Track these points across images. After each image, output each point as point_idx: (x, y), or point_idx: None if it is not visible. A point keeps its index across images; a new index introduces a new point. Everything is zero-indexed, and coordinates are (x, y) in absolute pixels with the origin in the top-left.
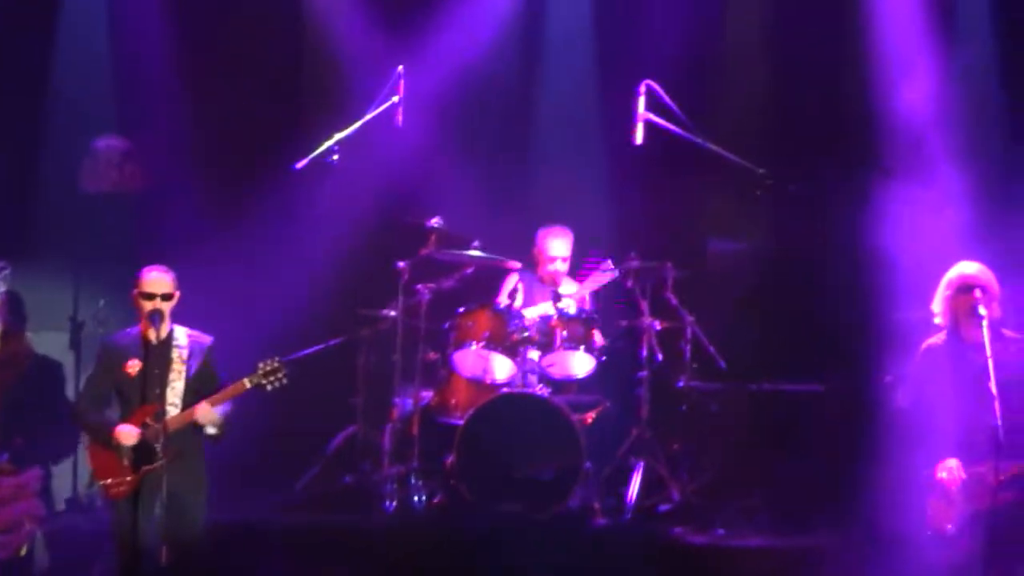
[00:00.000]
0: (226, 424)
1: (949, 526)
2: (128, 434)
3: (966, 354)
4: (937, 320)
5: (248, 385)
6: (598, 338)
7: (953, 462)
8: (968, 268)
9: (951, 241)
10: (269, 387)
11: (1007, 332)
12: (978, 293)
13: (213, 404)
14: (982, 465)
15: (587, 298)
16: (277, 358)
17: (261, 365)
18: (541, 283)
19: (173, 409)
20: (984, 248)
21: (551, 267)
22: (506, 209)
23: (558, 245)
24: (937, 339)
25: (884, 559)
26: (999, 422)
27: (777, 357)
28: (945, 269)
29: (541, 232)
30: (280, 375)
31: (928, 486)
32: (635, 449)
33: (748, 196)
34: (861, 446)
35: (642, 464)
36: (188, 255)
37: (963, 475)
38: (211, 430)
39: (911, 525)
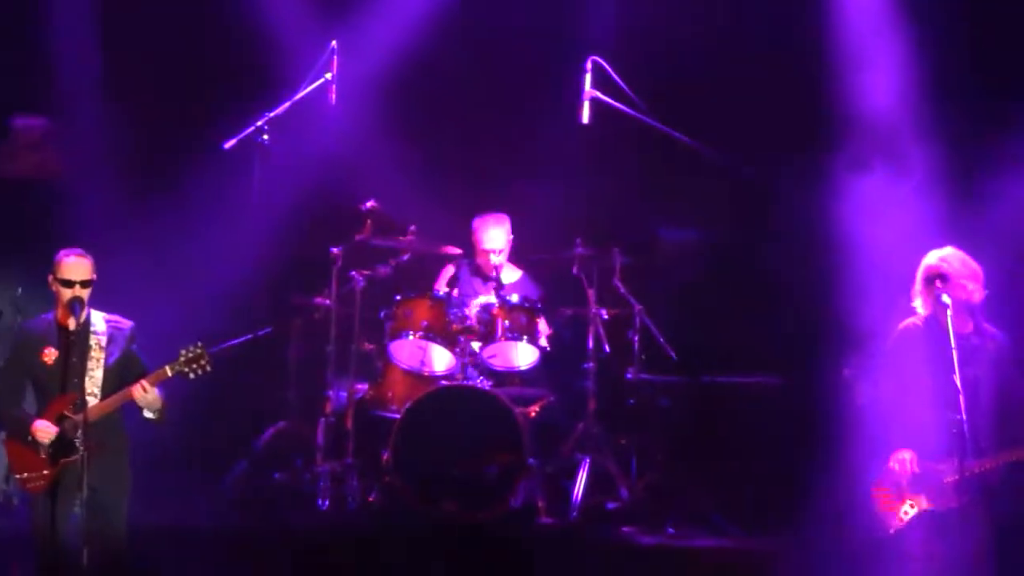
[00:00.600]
0: (165, 408)
1: (896, 522)
2: (45, 431)
3: (943, 344)
4: (919, 310)
5: (170, 373)
6: (542, 328)
7: (907, 454)
8: (932, 257)
9: (915, 229)
10: (192, 375)
11: (988, 327)
12: (939, 283)
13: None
14: (943, 463)
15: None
16: (200, 344)
17: (183, 352)
18: (481, 270)
19: (92, 399)
20: (951, 237)
21: (488, 260)
22: (445, 193)
23: (492, 237)
24: (915, 321)
25: (841, 561)
26: (964, 416)
27: (731, 348)
28: (909, 259)
29: (476, 221)
30: (203, 362)
31: (879, 477)
32: (581, 445)
33: (700, 180)
34: (819, 442)
35: (589, 460)
36: (110, 239)
37: (915, 468)
38: (148, 414)
39: (868, 525)
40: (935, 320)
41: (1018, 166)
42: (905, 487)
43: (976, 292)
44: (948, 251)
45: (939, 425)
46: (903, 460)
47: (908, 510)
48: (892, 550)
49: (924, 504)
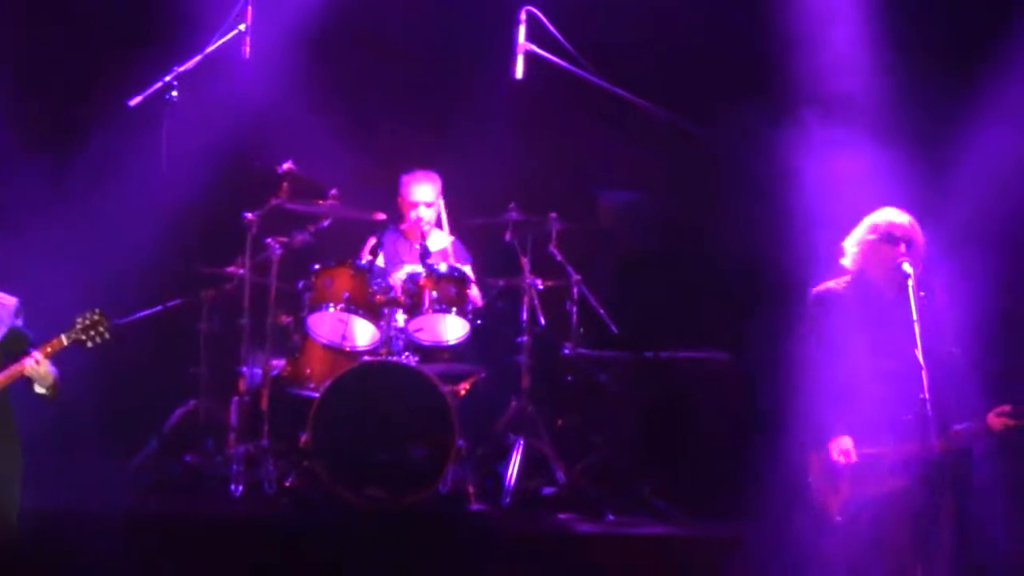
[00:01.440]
0: (57, 384)
1: (837, 515)
2: None
3: (878, 309)
4: (845, 261)
5: (65, 342)
6: (473, 298)
7: (846, 440)
8: (898, 217)
9: (873, 197)
10: (90, 343)
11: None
12: (903, 247)
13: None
14: (884, 444)
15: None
16: (98, 310)
17: (79, 319)
18: (407, 238)
19: None
20: (909, 203)
21: (413, 214)
22: (369, 154)
23: (421, 190)
24: (837, 284)
25: (792, 549)
26: (927, 395)
27: (676, 321)
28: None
29: (404, 177)
30: (101, 329)
31: (816, 468)
32: (515, 425)
33: (644, 140)
34: (772, 420)
35: (522, 442)
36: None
37: (854, 457)
38: (40, 389)
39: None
40: (862, 284)
41: (984, 127)
42: (844, 478)
43: (918, 268)
44: (911, 219)
45: (873, 407)
46: (841, 447)
47: (850, 501)
48: (841, 538)
49: (868, 491)
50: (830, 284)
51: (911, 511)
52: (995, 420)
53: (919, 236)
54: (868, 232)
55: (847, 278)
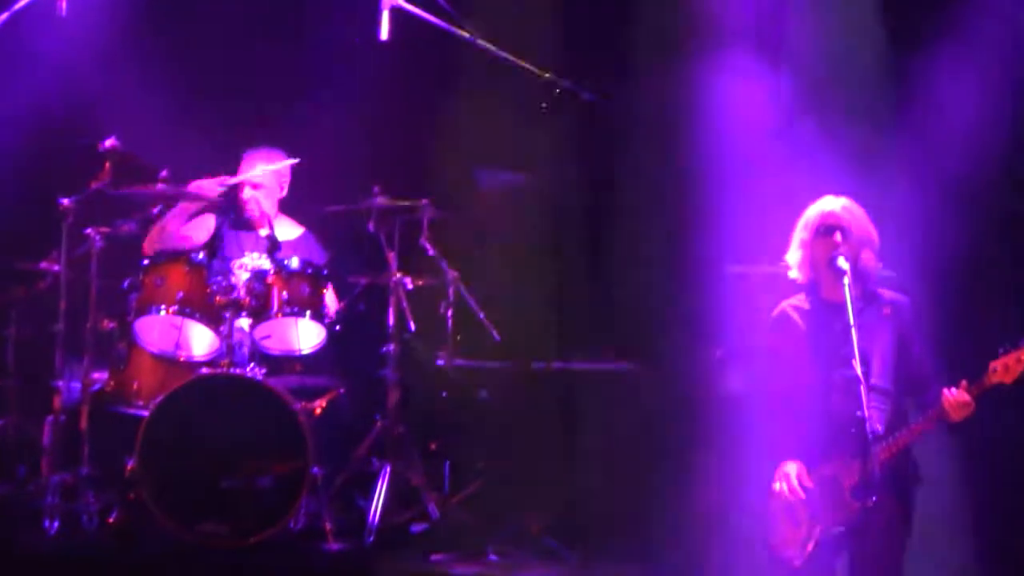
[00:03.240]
0: None
1: (796, 554)
2: None
3: (829, 320)
4: (793, 274)
5: None
6: (330, 300)
7: (792, 467)
8: (829, 204)
9: (808, 172)
10: None
11: (885, 292)
12: (838, 236)
13: None
14: (837, 463)
15: (315, 247)
16: None
17: None
18: (250, 227)
19: None
20: (853, 182)
21: (245, 194)
22: (208, 130)
23: (256, 167)
24: (798, 301)
25: None
26: (866, 412)
27: (571, 326)
28: (797, 207)
29: (245, 156)
30: None
31: (770, 499)
32: (380, 449)
33: (530, 111)
34: (683, 442)
35: (389, 469)
36: None
37: (808, 483)
38: None
39: (746, 549)
40: (816, 294)
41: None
42: (799, 510)
43: (871, 262)
44: (846, 201)
45: (825, 422)
46: (789, 475)
47: (811, 535)
48: None
49: (829, 521)
50: (787, 305)
51: (880, 528)
52: (950, 397)
53: (857, 219)
54: (802, 231)
55: (805, 294)
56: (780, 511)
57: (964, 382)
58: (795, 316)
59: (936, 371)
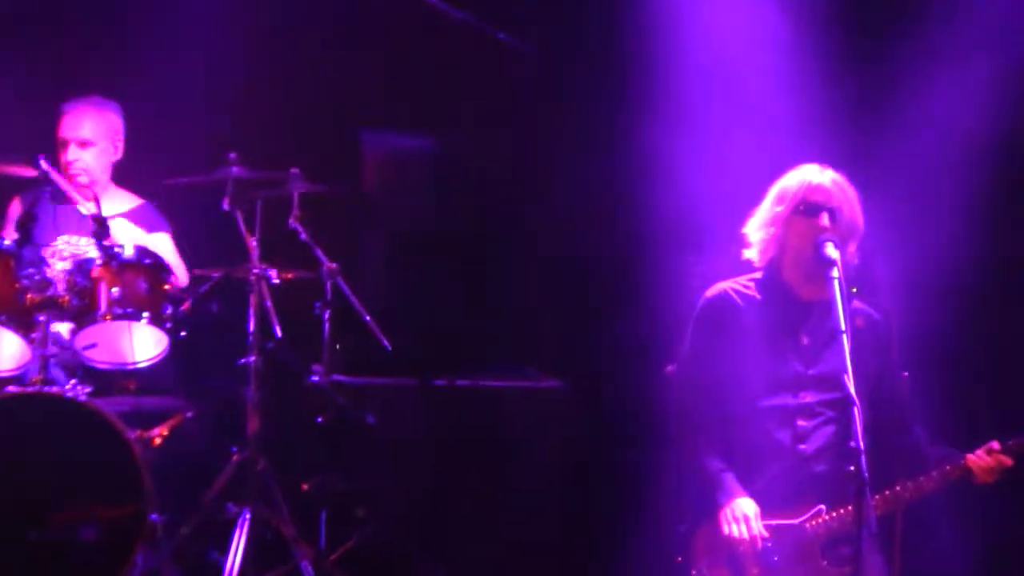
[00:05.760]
0: None
1: None
2: None
3: (790, 323)
4: (750, 254)
5: None
6: (173, 297)
7: (752, 507)
8: (814, 174)
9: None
10: None
11: (856, 302)
12: (826, 219)
13: None
14: (800, 511)
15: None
16: None
17: None
18: (69, 200)
19: None
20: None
21: (67, 156)
22: (19, 83)
23: (78, 124)
24: (743, 286)
25: None
26: (861, 444)
27: (482, 332)
28: (762, 185)
29: (67, 109)
30: None
31: (703, 549)
32: (238, 490)
33: (431, 59)
34: (625, 476)
35: (249, 515)
36: None
37: (762, 531)
38: None
39: None
40: (776, 282)
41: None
42: (748, 562)
43: (854, 259)
44: (836, 176)
45: (790, 453)
46: (740, 518)
47: None
48: None
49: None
50: (729, 287)
51: None
52: (981, 460)
53: (849, 201)
54: (776, 203)
55: (755, 276)
56: (725, 563)
57: (996, 443)
58: (740, 304)
59: (914, 409)
